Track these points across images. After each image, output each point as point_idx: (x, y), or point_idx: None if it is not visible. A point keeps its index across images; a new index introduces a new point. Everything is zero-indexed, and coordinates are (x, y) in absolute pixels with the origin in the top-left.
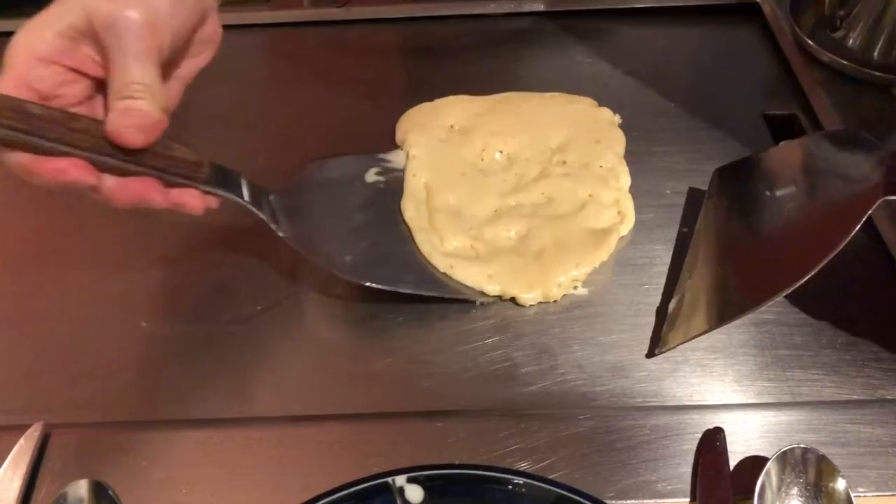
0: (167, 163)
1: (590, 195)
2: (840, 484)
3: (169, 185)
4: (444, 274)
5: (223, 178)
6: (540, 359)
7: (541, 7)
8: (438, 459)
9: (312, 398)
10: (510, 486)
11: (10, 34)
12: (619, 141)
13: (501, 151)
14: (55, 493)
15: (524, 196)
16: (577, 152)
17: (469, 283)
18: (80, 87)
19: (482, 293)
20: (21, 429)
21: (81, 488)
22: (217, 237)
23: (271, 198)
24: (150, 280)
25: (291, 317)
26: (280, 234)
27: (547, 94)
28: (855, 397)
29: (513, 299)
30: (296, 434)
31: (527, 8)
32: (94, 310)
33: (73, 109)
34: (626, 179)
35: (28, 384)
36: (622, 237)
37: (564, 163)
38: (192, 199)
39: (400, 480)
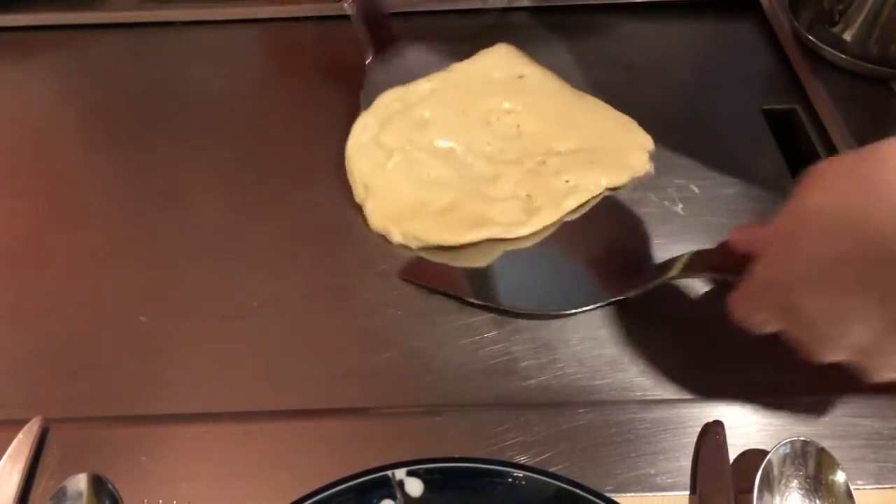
0: None
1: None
2: (840, 476)
3: None
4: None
5: None
6: (539, 353)
7: (538, 2)
8: (438, 453)
9: (311, 392)
10: (510, 479)
11: (8, 29)
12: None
13: (519, 126)
14: (54, 487)
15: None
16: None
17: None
18: None
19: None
20: (19, 423)
21: (80, 482)
22: (215, 232)
23: None
24: (149, 274)
25: (289, 311)
26: None
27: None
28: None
29: None
30: (295, 428)
31: (525, 2)
32: (93, 304)
33: None
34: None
35: (26, 378)
36: None
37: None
38: None
39: (399, 474)
